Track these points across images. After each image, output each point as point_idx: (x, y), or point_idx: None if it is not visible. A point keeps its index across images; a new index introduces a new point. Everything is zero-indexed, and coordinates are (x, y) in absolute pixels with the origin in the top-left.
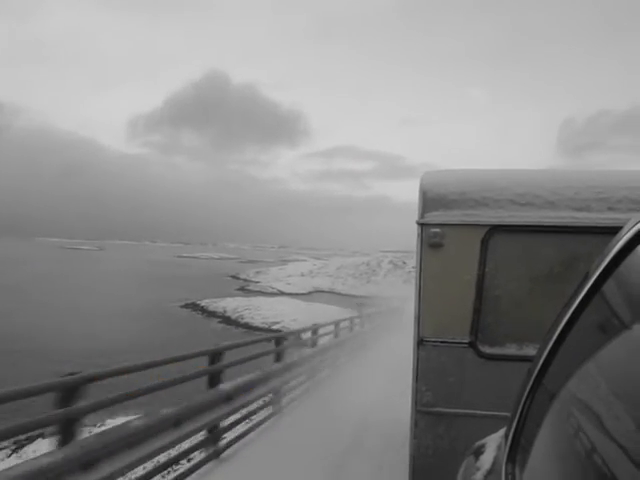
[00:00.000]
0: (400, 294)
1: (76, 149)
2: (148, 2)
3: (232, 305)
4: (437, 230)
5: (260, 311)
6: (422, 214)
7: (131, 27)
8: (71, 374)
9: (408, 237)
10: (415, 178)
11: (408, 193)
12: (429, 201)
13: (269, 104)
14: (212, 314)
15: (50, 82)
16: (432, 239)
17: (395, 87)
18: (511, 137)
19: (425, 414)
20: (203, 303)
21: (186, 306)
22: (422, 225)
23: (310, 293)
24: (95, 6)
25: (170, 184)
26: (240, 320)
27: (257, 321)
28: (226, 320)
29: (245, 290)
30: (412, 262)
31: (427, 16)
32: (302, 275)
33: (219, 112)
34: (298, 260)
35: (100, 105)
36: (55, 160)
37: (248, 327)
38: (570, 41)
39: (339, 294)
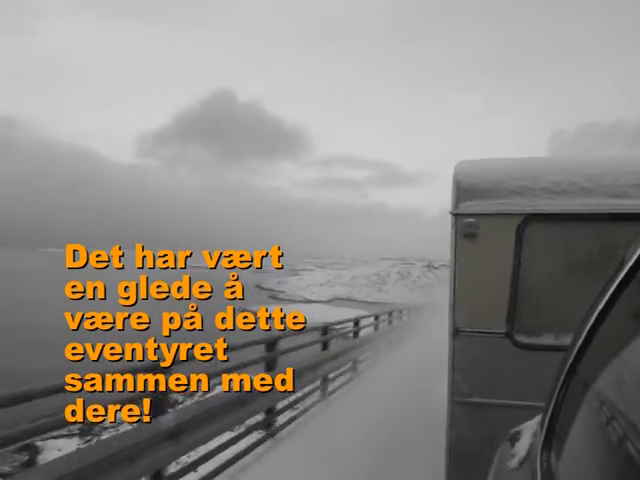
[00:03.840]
0: (412, 300)
1: (84, 162)
2: (152, 18)
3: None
4: (471, 220)
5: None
6: (456, 204)
7: (136, 42)
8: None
9: (406, 245)
10: (411, 186)
11: (404, 200)
12: (463, 191)
13: (273, 119)
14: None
15: (61, 97)
16: (466, 229)
17: (390, 97)
18: (503, 147)
19: (461, 404)
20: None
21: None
22: (456, 215)
23: (331, 300)
24: (104, 23)
25: (174, 195)
26: None
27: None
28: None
29: (277, 298)
30: (417, 272)
31: (419, 28)
32: (321, 285)
33: (225, 128)
34: (306, 270)
35: (109, 120)
36: (64, 172)
37: None
38: (559, 55)
39: (356, 301)
